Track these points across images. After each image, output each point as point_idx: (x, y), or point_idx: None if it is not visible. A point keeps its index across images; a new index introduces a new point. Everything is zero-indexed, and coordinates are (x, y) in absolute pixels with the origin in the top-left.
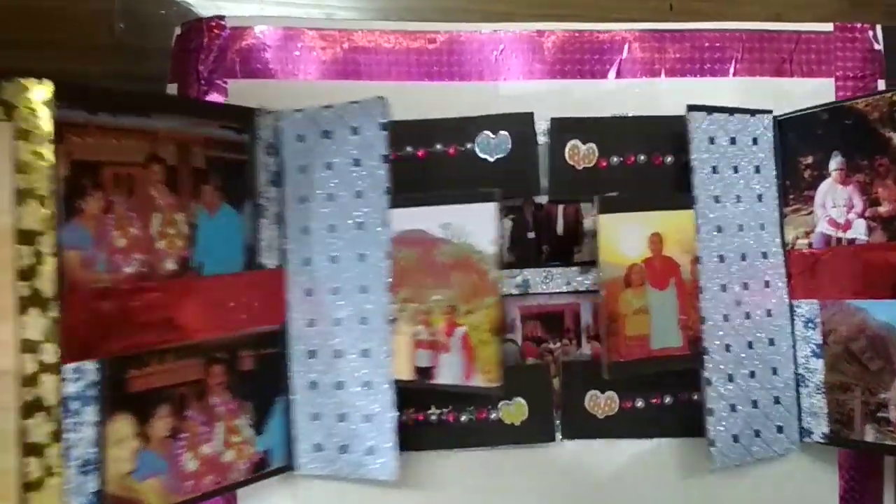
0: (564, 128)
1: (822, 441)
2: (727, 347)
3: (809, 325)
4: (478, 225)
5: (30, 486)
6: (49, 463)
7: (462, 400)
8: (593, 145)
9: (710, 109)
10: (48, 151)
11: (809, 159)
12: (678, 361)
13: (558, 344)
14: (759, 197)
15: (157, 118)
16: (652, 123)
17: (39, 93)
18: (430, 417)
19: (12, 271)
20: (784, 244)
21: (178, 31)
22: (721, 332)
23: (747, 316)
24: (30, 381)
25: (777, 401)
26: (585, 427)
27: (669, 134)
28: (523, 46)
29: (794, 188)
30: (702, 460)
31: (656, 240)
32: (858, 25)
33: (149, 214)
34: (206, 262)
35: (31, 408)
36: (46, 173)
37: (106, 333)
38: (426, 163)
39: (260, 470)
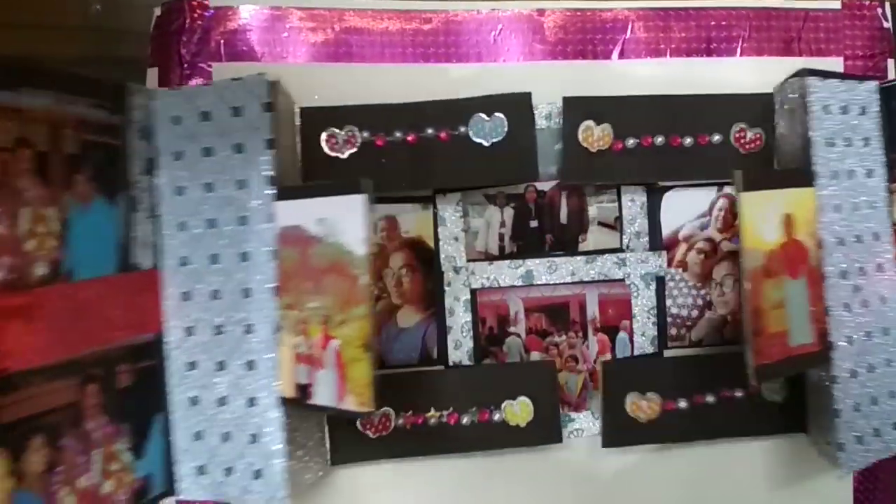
0: (578, 108)
1: None
2: (850, 340)
3: None
4: (347, 221)
5: None
6: None
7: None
8: (608, 126)
9: (824, 75)
10: None
11: None
12: (813, 359)
13: (563, 337)
14: (869, 172)
15: (27, 94)
16: (670, 103)
17: None
18: (430, 420)
19: None
20: (892, 223)
21: (157, 11)
22: (844, 324)
23: (865, 304)
24: None
25: (893, 395)
26: (629, 434)
27: (688, 114)
28: (523, 26)
29: None
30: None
31: (789, 222)
32: (867, 3)
33: (17, 210)
34: (78, 265)
35: None
36: None
37: None
38: (416, 149)
39: (141, 499)
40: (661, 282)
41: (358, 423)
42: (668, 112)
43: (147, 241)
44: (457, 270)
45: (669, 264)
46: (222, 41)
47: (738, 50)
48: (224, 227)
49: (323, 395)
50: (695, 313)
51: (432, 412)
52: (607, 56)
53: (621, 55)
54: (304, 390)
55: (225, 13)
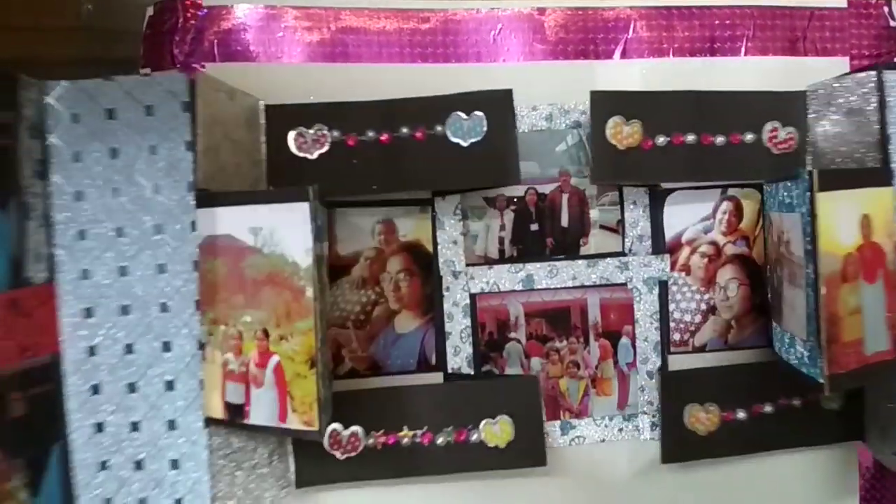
0: (605, 103)
1: None
2: None
3: None
4: (290, 230)
5: None
6: None
7: (439, 418)
8: (637, 123)
9: None
10: None
11: None
12: (888, 367)
13: (564, 342)
14: None
15: None
16: (701, 100)
17: None
18: (403, 440)
19: None
20: None
21: (150, 11)
22: None
23: None
24: None
25: None
26: (688, 448)
27: (720, 112)
28: (523, 26)
29: None
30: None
31: (866, 223)
32: (873, 1)
33: None
34: None
35: None
36: None
37: None
38: (389, 149)
39: None
40: (663, 286)
41: (325, 442)
42: (699, 109)
43: (40, 252)
44: (456, 275)
45: (672, 268)
46: (216, 41)
47: (743, 49)
48: (135, 236)
49: (261, 415)
50: (698, 318)
51: (405, 431)
52: (609, 56)
53: (623, 55)
54: (237, 410)
55: (219, 12)
